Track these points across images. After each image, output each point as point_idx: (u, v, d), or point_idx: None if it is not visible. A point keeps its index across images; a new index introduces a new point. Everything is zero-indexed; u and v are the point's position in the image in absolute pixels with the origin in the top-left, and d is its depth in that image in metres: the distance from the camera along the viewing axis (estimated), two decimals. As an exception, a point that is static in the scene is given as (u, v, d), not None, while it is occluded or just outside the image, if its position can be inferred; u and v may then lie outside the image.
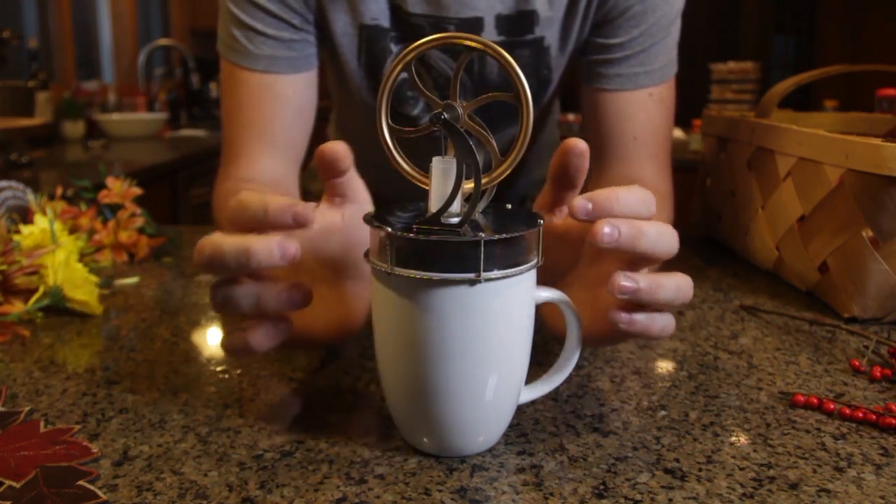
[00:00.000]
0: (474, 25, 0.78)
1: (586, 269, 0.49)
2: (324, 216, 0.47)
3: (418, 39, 0.83)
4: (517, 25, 0.78)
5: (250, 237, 0.40)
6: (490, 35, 0.79)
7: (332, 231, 0.48)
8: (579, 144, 0.44)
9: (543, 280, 0.44)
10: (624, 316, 0.43)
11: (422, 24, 0.78)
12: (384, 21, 0.79)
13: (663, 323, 0.44)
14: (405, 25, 0.79)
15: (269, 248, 0.39)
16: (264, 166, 0.80)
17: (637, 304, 0.43)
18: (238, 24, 0.79)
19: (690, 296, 0.44)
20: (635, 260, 0.43)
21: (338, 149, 0.43)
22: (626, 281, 0.41)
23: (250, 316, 0.43)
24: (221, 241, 0.40)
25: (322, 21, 0.80)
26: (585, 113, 0.84)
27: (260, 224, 0.41)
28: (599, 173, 0.82)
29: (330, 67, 0.87)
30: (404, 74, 0.81)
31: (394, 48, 0.80)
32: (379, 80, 0.83)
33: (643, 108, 0.80)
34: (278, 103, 0.80)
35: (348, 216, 0.48)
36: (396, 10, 0.78)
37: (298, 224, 0.41)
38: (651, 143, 0.80)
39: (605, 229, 0.40)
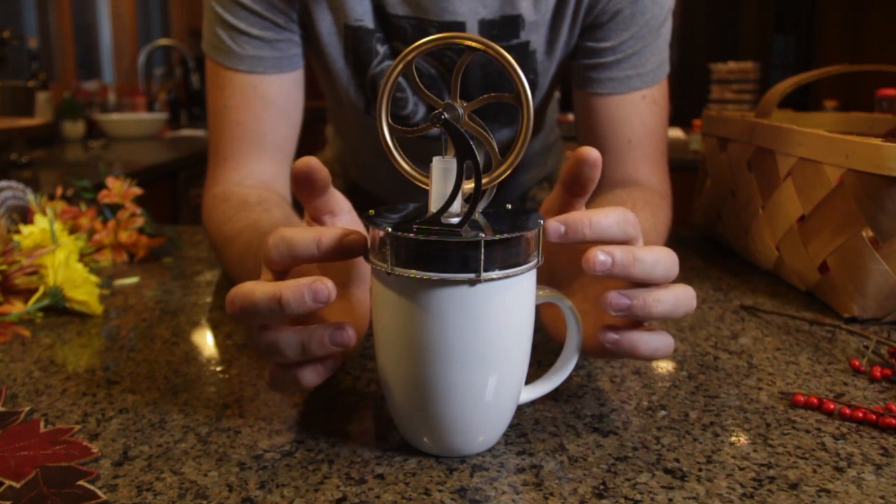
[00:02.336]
0: (456, 30, 0.77)
1: (589, 279, 0.49)
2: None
3: (403, 41, 0.83)
4: (502, 31, 0.78)
5: (281, 284, 0.40)
6: None
7: None
8: (592, 154, 0.44)
9: (547, 285, 0.44)
10: (610, 335, 0.43)
11: (405, 27, 0.78)
12: (368, 22, 0.78)
13: (656, 345, 0.44)
14: (389, 26, 0.79)
15: (300, 294, 0.39)
16: (252, 168, 0.79)
17: (634, 320, 0.44)
18: (222, 24, 0.79)
19: (693, 307, 0.44)
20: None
21: (310, 162, 0.43)
22: (617, 298, 0.42)
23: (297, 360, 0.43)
24: (252, 291, 0.40)
25: (307, 21, 0.80)
26: (578, 117, 0.84)
27: (314, 259, 0.42)
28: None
29: (317, 66, 0.87)
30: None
31: (380, 49, 0.80)
32: (366, 79, 0.83)
33: (636, 111, 0.79)
34: (264, 104, 0.79)
35: (352, 220, 0.48)
36: (379, 11, 0.78)
37: (354, 255, 0.41)
38: (646, 145, 0.80)
39: (600, 257, 0.41)
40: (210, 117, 0.82)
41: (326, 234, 0.41)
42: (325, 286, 0.39)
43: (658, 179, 0.80)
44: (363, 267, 0.50)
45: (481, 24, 0.77)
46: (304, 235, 0.42)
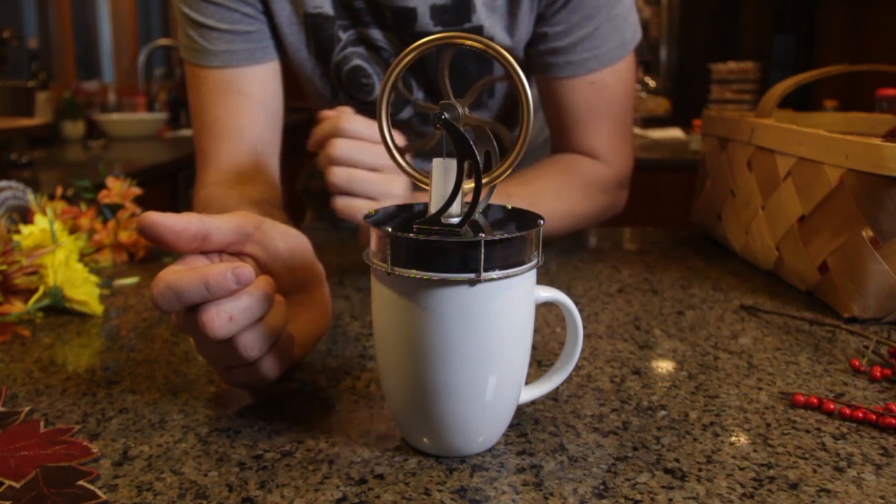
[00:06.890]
0: (408, 15, 0.78)
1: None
2: (266, 247, 0.49)
3: (362, 25, 0.85)
4: (453, 15, 0.78)
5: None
6: (426, 26, 0.78)
7: (284, 253, 0.49)
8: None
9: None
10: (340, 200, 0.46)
11: (363, 9, 0.78)
12: (328, 9, 0.79)
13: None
14: (348, 12, 0.79)
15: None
16: (235, 164, 0.79)
17: None
18: (192, 24, 0.79)
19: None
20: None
21: (145, 220, 0.44)
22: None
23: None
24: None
25: (266, 10, 0.80)
26: (540, 99, 0.87)
27: (205, 299, 0.41)
28: (554, 150, 0.89)
29: (285, 59, 0.87)
30: (357, 61, 0.82)
31: (342, 35, 0.80)
32: (329, 66, 0.83)
33: (583, 95, 0.82)
34: (240, 98, 0.79)
35: (262, 236, 0.49)
36: None
37: (244, 284, 0.41)
38: (593, 126, 0.84)
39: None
40: (192, 121, 0.82)
41: (212, 275, 0.41)
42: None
43: (601, 163, 0.85)
44: (319, 267, 0.52)
45: (433, 9, 0.78)
46: (190, 280, 0.41)
